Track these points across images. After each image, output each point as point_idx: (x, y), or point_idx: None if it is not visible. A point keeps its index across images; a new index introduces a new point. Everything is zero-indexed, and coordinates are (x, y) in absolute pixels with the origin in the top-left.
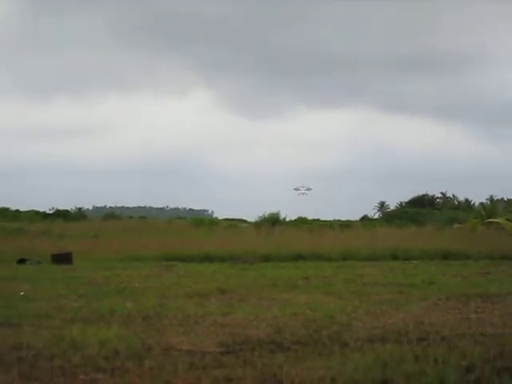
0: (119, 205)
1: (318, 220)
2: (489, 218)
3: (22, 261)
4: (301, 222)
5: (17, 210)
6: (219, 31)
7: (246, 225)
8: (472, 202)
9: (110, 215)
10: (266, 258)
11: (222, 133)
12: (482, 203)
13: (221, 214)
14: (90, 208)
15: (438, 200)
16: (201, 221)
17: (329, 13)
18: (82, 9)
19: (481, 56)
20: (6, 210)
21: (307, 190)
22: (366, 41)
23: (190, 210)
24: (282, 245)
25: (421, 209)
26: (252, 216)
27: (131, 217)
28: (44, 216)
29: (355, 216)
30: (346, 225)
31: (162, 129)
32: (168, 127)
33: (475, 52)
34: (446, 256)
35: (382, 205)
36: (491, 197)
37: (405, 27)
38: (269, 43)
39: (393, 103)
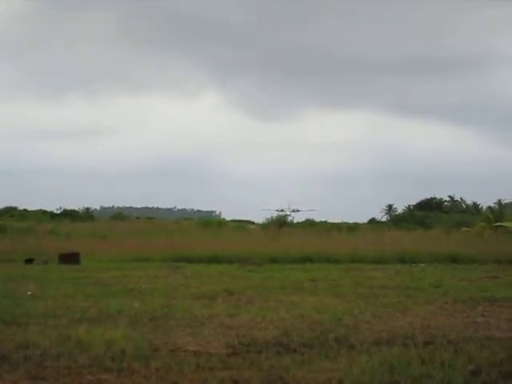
0: (127, 205)
1: (325, 222)
2: (496, 221)
3: (29, 260)
4: (308, 224)
5: (25, 210)
6: (231, 32)
7: (253, 226)
8: (480, 206)
9: (118, 216)
10: (274, 260)
11: (232, 134)
12: (489, 207)
13: (229, 215)
14: (98, 208)
15: (445, 203)
16: (208, 222)
17: (342, 14)
18: (93, 6)
19: (493, 59)
20: (13, 209)
21: (293, 211)
22: (379, 42)
23: (198, 210)
24: (290, 247)
25: (428, 212)
26: (260, 217)
27: (139, 217)
28: (52, 216)
29: (363, 219)
30: (353, 227)
31: (171, 130)
32: (177, 128)
33: (488, 55)
34: (454, 260)
35: (390, 208)
36: (499, 201)
37: (417, 29)
38: (281, 44)
39: (403, 105)
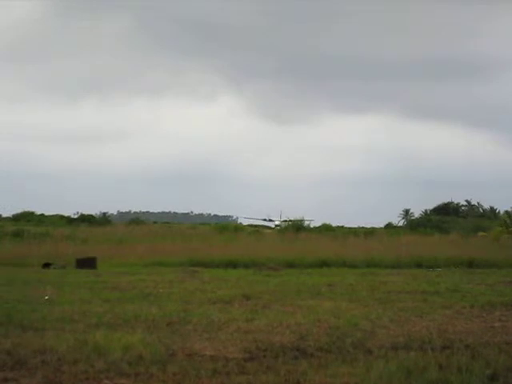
0: (144, 210)
1: (342, 227)
2: None
3: (46, 265)
4: (325, 228)
5: (42, 215)
6: (247, 36)
7: (270, 231)
8: (497, 210)
9: (135, 220)
10: (290, 265)
11: (248, 138)
12: (507, 211)
13: (245, 219)
14: (115, 213)
15: (462, 208)
16: (225, 226)
17: (356, 17)
18: (110, 9)
19: (508, 63)
20: (31, 213)
21: (283, 221)
22: (394, 46)
23: (215, 215)
24: (307, 251)
25: (445, 217)
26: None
27: (155, 222)
28: (69, 221)
29: (380, 223)
30: (370, 232)
31: (187, 134)
32: (194, 132)
33: (502, 59)
34: (471, 264)
35: (407, 212)
36: None
37: (433, 33)
38: (296, 49)
39: (419, 109)
